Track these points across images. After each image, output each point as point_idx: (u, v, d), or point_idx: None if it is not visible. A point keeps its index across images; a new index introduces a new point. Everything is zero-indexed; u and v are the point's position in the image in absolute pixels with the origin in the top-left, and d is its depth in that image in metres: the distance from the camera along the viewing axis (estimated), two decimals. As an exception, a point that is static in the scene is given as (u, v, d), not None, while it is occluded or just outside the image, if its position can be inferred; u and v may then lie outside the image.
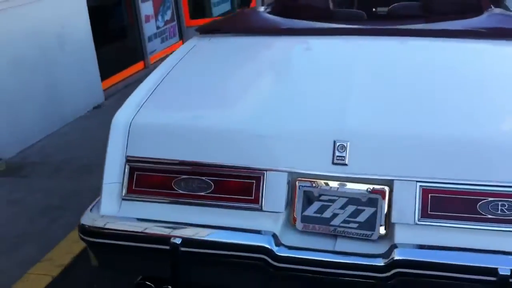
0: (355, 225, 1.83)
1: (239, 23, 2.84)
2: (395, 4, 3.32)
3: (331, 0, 3.34)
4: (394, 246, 1.73)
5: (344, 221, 1.85)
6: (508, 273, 1.61)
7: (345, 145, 1.83)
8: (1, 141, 4.00)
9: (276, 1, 3.33)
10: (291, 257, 1.76)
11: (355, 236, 1.83)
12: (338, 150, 1.83)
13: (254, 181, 1.88)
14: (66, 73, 4.71)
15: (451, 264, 1.66)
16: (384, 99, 2.02)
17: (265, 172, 1.87)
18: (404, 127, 1.87)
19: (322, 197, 1.87)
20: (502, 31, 2.47)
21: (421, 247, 1.72)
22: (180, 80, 2.31)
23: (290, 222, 1.89)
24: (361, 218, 1.83)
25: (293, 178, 1.88)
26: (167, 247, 1.82)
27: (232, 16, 3.50)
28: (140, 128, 2.02)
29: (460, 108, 1.95)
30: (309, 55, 2.49)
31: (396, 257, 1.69)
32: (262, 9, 3.08)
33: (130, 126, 2.02)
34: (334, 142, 1.84)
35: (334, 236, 1.85)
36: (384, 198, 1.81)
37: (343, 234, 1.84)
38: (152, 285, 1.99)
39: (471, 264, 1.65)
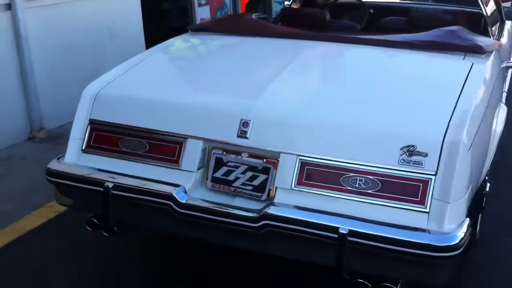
0: (250, 188, 2.25)
1: (222, 25, 3.32)
2: (385, 18, 3.68)
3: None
4: (269, 204, 2.14)
5: (243, 184, 2.26)
6: (346, 232, 1.97)
7: (248, 123, 2.25)
8: (47, 113, 4.69)
9: (282, 11, 3.80)
10: (190, 204, 2.20)
11: (249, 196, 2.24)
12: (242, 126, 2.26)
13: (178, 145, 2.34)
14: (113, 60, 5.35)
15: (305, 221, 2.05)
16: (297, 90, 2.43)
17: (187, 138, 2.33)
18: (297, 114, 2.27)
19: (229, 163, 2.29)
20: (433, 44, 2.78)
21: (289, 206, 2.12)
22: (149, 66, 2.81)
23: (203, 182, 2.33)
24: (256, 182, 2.24)
25: (209, 146, 2.32)
26: (102, 189, 2.32)
27: (221, 18, 3.96)
28: (103, 98, 2.54)
29: (352, 102, 2.33)
30: (259, 52, 2.93)
31: (264, 211, 2.10)
32: (252, 15, 3.54)
33: (96, 97, 2.55)
34: (241, 119, 2.27)
35: (235, 195, 2.28)
36: (275, 167, 2.22)
37: (241, 194, 2.25)
38: (97, 222, 2.49)
39: (319, 222, 2.03)
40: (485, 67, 2.64)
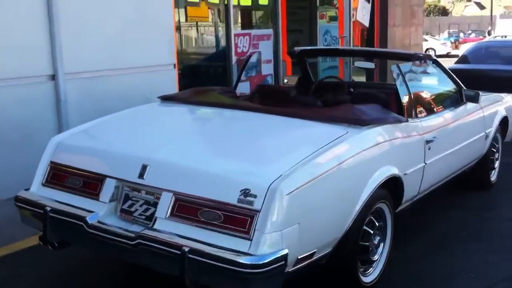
0: (144, 217, 2.94)
1: (182, 95, 4.11)
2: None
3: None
4: (145, 229, 2.82)
5: (140, 214, 2.96)
6: (187, 250, 2.58)
7: (146, 167, 2.98)
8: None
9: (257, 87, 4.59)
10: (94, 225, 2.93)
11: (142, 224, 2.93)
12: (142, 169, 2.99)
13: (99, 182, 3.11)
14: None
15: (160, 240, 2.70)
16: (187, 147, 3.15)
17: (106, 177, 3.10)
18: (177, 162, 2.97)
19: (133, 198, 3.02)
20: (327, 116, 3.37)
21: (158, 231, 2.78)
22: (106, 124, 3.65)
23: (116, 211, 3.06)
24: (148, 213, 2.93)
25: (122, 184, 3.06)
26: (42, 211, 3.12)
27: (186, 90, 4.65)
28: (63, 146, 3.39)
29: (220, 155, 3.05)
30: (190, 118, 3.71)
31: (139, 234, 2.78)
32: (216, 89, 4.31)
33: (58, 144, 3.40)
34: (142, 164, 3.00)
35: (134, 222, 2.97)
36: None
37: (137, 222, 2.95)
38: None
39: (170, 241, 2.67)
40: (359, 137, 3.19)
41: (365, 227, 3.27)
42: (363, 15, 10.13)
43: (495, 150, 5.44)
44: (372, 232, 3.32)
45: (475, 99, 4.59)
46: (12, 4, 5.03)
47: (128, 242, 2.82)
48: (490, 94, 5.45)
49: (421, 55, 4.50)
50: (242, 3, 7.64)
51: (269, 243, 2.57)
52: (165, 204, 2.86)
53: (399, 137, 3.56)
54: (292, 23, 9.49)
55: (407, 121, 3.69)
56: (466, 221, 4.65)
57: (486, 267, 3.79)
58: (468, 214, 4.83)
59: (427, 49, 29.87)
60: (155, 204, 2.92)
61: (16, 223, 3.46)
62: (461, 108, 4.58)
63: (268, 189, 2.63)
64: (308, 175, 2.78)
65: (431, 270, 3.73)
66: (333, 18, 8.87)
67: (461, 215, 4.80)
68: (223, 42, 7.47)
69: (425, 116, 3.98)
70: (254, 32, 7.82)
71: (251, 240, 2.59)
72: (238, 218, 2.64)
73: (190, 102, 3.91)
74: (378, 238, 3.41)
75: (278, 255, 2.57)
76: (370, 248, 3.34)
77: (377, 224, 3.38)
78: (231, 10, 7.28)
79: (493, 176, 5.52)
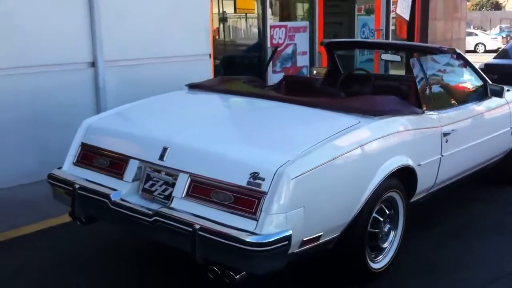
0: (162, 197, 3.14)
1: (210, 84, 4.29)
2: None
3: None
4: (163, 207, 3.02)
5: (159, 194, 3.17)
6: (198, 227, 2.77)
7: (167, 149, 3.18)
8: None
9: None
10: (117, 202, 3.15)
11: (161, 202, 3.13)
12: (162, 151, 3.19)
13: (124, 163, 3.33)
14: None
15: (175, 218, 2.90)
16: (206, 131, 3.33)
17: (130, 158, 3.32)
18: (194, 145, 3.15)
19: (154, 178, 3.23)
20: (344, 107, 3.50)
21: (174, 210, 2.98)
22: (135, 109, 3.87)
23: (139, 190, 3.27)
24: (166, 193, 3.13)
25: (144, 165, 3.28)
26: (71, 189, 3.36)
27: (214, 79, 4.82)
28: (93, 129, 3.63)
29: (236, 140, 3.21)
30: (214, 106, 3.88)
31: (156, 211, 2.98)
32: (241, 78, 4.48)
33: (88, 127, 3.65)
34: (163, 147, 3.20)
35: (153, 201, 3.17)
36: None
37: (157, 201, 3.16)
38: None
39: (183, 219, 2.86)
40: (370, 127, 3.32)
41: (375, 215, 3.39)
42: (403, 8, 10.11)
43: (524, 147, 5.43)
44: (382, 219, 3.44)
45: (499, 94, 4.62)
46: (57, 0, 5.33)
47: (147, 219, 3.02)
48: None
49: (445, 48, 4.56)
50: (279, -4, 7.79)
51: (274, 224, 2.73)
52: (182, 184, 3.05)
53: (413, 129, 3.65)
54: (332, 15, 9.60)
55: (423, 113, 3.78)
56: (488, 215, 4.70)
57: (499, 259, 3.86)
58: (491, 208, 4.87)
59: (476, 44, 29.27)
60: (173, 185, 3.11)
61: (53, 200, 3.72)
62: (485, 102, 4.62)
63: (275, 173, 2.79)
64: (316, 161, 2.92)
65: (444, 260, 3.81)
66: (370, 11, 8.89)
67: (483, 208, 4.85)
68: (259, 34, 7.63)
69: (444, 109, 4.05)
70: (290, 24, 7.95)
71: (257, 220, 2.76)
72: (247, 200, 2.82)
73: (215, 90, 4.09)
74: (388, 226, 3.53)
75: (282, 235, 2.72)
76: (380, 235, 3.46)
77: (387, 212, 3.50)
78: (267, 2, 7.43)
79: (524, 172, 5.51)
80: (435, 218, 4.55)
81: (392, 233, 3.60)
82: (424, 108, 3.82)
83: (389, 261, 3.58)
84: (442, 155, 3.92)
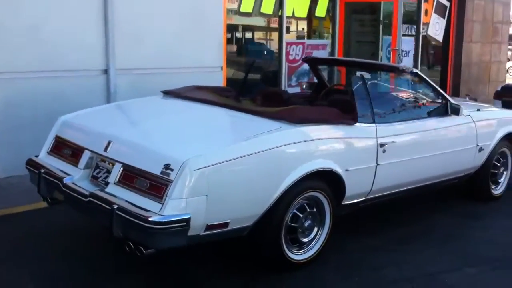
0: (104, 182, 3.69)
1: (179, 91, 4.80)
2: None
3: None
4: (97, 190, 3.56)
5: (102, 180, 3.72)
6: (116, 207, 3.30)
7: (110, 143, 3.73)
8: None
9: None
10: (67, 185, 3.73)
11: (103, 187, 3.68)
12: (107, 144, 3.74)
13: (80, 153, 3.91)
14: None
15: (101, 197, 3.43)
16: (142, 129, 3.87)
17: (84, 149, 3.89)
18: (128, 139, 3.70)
19: (100, 167, 3.78)
20: (272, 115, 3.94)
21: (104, 192, 3.51)
22: (104, 110, 4.46)
23: (89, 177, 3.84)
24: (107, 179, 3.67)
25: (95, 156, 3.84)
26: (37, 172, 3.98)
27: (184, 87, 5.25)
28: (66, 124, 4.24)
29: (162, 136, 3.72)
30: (169, 109, 4.42)
31: (90, 193, 3.53)
32: (217, 87, 4.98)
33: (63, 122, 4.27)
34: (108, 141, 3.76)
35: (98, 186, 3.72)
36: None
37: (100, 186, 3.71)
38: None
39: (106, 198, 3.39)
40: (288, 132, 3.73)
41: (295, 211, 3.79)
42: (436, 30, 10.28)
43: (499, 165, 5.60)
44: (301, 216, 3.83)
45: (457, 112, 4.87)
46: (73, 9, 6.03)
47: (83, 199, 3.57)
48: (500, 110, 5.62)
49: (403, 68, 4.88)
50: (297, 14, 8.23)
51: (175, 207, 3.21)
52: (116, 172, 3.59)
53: (341, 137, 4.02)
54: (366, 34, 9.95)
55: (354, 124, 4.13)
56: (442, 226, 4.93)
57: (424, 263, 4.13)
58: (448, 219, 5.10)
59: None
60: (110, 172, 3.66)
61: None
62: (443, 119, 4.88)
63: (181, 165, 3.27)
64: (222, 157, 3.38)
65: (371, 260, 4.13)
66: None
67: (441, 220, 5.08)
68: (274, 50, 8.10)
69: (385, 122, 4.38)
70: (308, 41, 8.39)
71: (162, 204, 3.24)
72: (158, 186, 3.31)
73: (181, 97, 4.63)
74: (309, 222, 3.90)
75: (180, 217, 3.20)
76: (300, 230, 3.85)
77: (308, 209, 3.88)
78: (284, 20, 7.91)
79: (498, 190, 5.68)
80: (387, 224, 4.86)
81: (315, 229, 3.96)
82: (357, 120, 4.17)
83: (312, 255, 3.94)
84: (378, 164, 4.25)
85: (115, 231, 3.34)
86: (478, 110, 5.41)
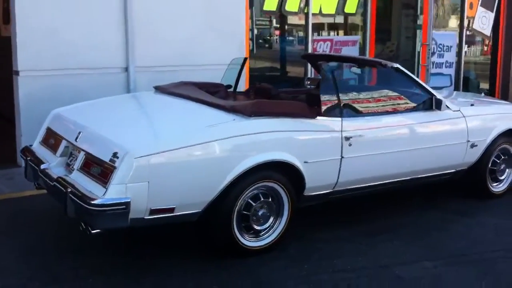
0: (73, 169, 4.03)
1: (164, 87, 5.08)
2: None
3: None
4: (64, 175, 3.92)
5: (72, 167, 4.07)
6: (69, 191, 3.64)
7: (80, 133, 4.08)
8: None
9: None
10: (41, 169, 4.12)
11: (70, 172, 4.04)
12: (77, 134, 4.10)
13: (60, 142, 4.30)
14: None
15: (61, 182, 3.78)
16: (115, 121, 4.18)
17: (63, 139, 4.28)
18: (94, 130, 4.02)
19: (73, 155, 4.14)
20: (229, 107, 4.14)
21: (67, 177, 3.86)
22: (94, 104, 4.83)
23: (64, 164, 4.21)
24: (75, 166, 4.02)
25: (70, 145, 4.21)
26: (25, 159, 4.41)
27: (174, 83, 5.46)
28: (55, 116, 4.65)
29: (122, 126, 4.02)
30: (150, 104, 4.72)
31: (56, 177, 3.89)
32: (207, 83, 5.22)
33: (53, 114, 4.68)
34: (79, 131, 4.11)
35: (72, 172, 4.07)
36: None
37: (72, 171, 4.06)
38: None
39: (63, 182, 3.74)
40: (241, 124, 3.93)
41: (249, 200, 3.98)
42: (482, 24, 9.99)
43: (499, 161, 5.47)
44: (254, 204, 4.01)
45: (438, 106, 4.84)
46: (94, 10, 6.49)
47: (50, 183, 3.96)
48: (504, 105, 5.51)
49: (384, 63, 4.90)
50: (325, 11, 8.30)
51: (115, 191, 3.50)
52: (80, 160, 3.94)
53: (300, 130, 4.15)
54: (406, 30, 9.87)
55: (314, 117, 4.24)
56: (426, 221, 4.92)
57: (383, 256, 4.18)
58: (437, 215, 5.07)
59: None
60: (77, 159, 4.02)
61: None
62: (423, 114, 4.87)
63: (125, 153, 3.56)
64: (165, 146, 3.63)
65: (332, 251, 4.23)
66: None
67: (427, 215, 5.08)
68: (300, 47, 8.22)
69: (353, 115, 4.46)
70: (336, 38, 8.44)
71: (106, 188, 3.55)
72: (106, 172, 3.62)
73: (165, 92, 4.92)
74: (264, 211, 4.07)
75: (120, 201, 3.48)
76: (254, 218, 4.03)
77: (262, 199, 4.05)
78: (310, 17, 8.01)
79: (499, 188, 5.55)
80: (365, 217, 4.93)
81: (271, 218, 4.13)
82: (321, 113, 4.28)
83: (268, 243, 4.11)
84: (343, 157, 4.34)
85: (69, 211, 3.68)
86: (472, 105, 5.32)
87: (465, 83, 10.49)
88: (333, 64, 4.98)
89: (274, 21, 8.50)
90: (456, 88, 9.80)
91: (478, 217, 5.10)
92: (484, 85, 10.66)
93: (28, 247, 4.21)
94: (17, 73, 6.20)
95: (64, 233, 4.44)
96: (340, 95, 4.43)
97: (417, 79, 4.94)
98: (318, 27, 8.52)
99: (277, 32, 8.64)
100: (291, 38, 8.67)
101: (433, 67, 9.41)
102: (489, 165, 5.41)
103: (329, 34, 8.79)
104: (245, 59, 5.67)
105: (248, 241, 4.05)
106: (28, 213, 4.91)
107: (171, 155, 3.65)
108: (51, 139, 4.49)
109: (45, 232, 4.49)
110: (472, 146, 5.15)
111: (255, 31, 8.21)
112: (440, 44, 9.43)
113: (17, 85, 6.25)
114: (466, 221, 4.98)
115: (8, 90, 6.70)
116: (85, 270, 3.85)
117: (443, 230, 4.73)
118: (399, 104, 4.87)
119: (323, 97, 4.35)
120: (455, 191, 5.64)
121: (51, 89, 6.34)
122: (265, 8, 7.89)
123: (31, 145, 4.72)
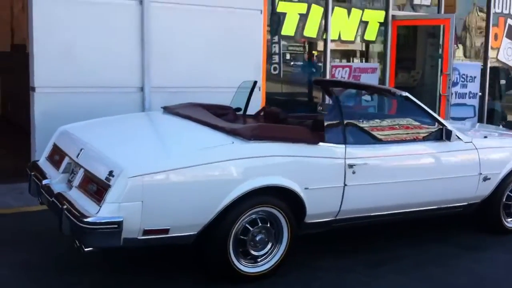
0: (73, 186, 4.05)
1: (172, 107, 5.07)
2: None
3: None
4: (63, 192, 3.92)
5: (73, 184, 4.08)
6: (65, 207, 3.63)
7: (82, 150, 4.09)
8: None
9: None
10: (43, 185, 4.13)
11: (69, 189, 4.04)
12: (79, 151, 4.11)
13: (63, 158, 4.31)
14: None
15: (60, 199, 3.78)
16: (116, 140, 4.18)
17: (66, 155, 4.29)
18: (94, 148, 4.02)
19: (74, 172, 4.14)
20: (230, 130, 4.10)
21: (66, 193, 3.86)
22: (101, 122, 4.84)
23: (66, 180, 4.22)
24: (75, 183, 4.03)
25: (73, 161, 4.22)
26: (29, 174, 4.44)
27: (182, 104, 5.43)
28: (62, 133, 4.68)
29: (123, 145, 4.02)
30: (150, 122, 4.70)
31: (55, 193, 3.89)
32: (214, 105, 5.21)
33: (60, 131, 4.71)
34: (81, 148, 4.12)
35: (72, 188, 4.06)
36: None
37: (72, 187, 4.06)
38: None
39: (59, 199, 3.74)
40: (239, 147, 3.88)
41: (246, 225, 3.92)
42: (508, 55, 9.84)
43: (514, 195, 5.32)
44: (251, 229, 3.94)
45: (448, 137, 4.73)
46: (111, 30, 6.56)
47: (49, 199, 3.96)
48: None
49: (393, 91, 4.83)
50: (344, 37, 8.27)
51: (108, 210, 3.48)
52: (79, 176, 3.94)
53: (299, 155, 4.08)
54: (431, 59, 9.78)
55: (317, 143, 4.18)
56: (433, 254, 4.77)
57: (377, 287, 4.07)
58: (445, 249, 4.92)
59: None
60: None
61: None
62: (433, 144, 4.76)
63: (120, 171, 3.54)
64: (161, 166, 3.61)
65: (327, 280, 4.14)
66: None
67: (435, 248, 4.92)
68: (318, 73, 8.19)
69: (359, 142, 4.39)
70: (356, 64, 8.38)
71: (100, 206, 3.53)
72: (101, 190, 3.61)
73: (172, 112, 4.92)
74: (261, 236, 4.00)
75: (112, 220, 3.46)
76: (252, 243, 3.96)
77: (260, 224, 3.98)
78: (329, 44, 7.99)
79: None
80: (370, 247, 4.81)
81: (269, 244, 4.05)
82: (324, 139, 4.21)
83: (267, 269, 4.03)
84: (346, 184, 4.25)
85: (63, 228, 3.67)
86: (486, 137, 5.19)
87: (491, 115, 10.31)
88: (341, 90, 4.91)
89: (298, 46, 8.50)
90: (480, 120, 9.62)
91: (491, 253, 4.92)
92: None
93: (28, 262, 4.21)
94: (33, 89, 6.28)
95: (64, 249, 4.42)
96: (345, 121, 4.36)
97: (427, 108, 4.83)
98: (337, 53, 8.49)
99: (297, 57, 8.65)
100: (310, 63, 8.65)
101: (456, 97, 9.31)
102: (504, 199, 5.25)
103: (348, 61, 8.74)
104: (255, 82, 5.63)
105: (245, 267, 3.98)
106: (32, 227, 4.93)
107: (165, 175, 3.62)
108: (56, 155, 4.51)
109: (47, 247, 4.50)
110: (485, 179, 5.01)
111: (282, 56, 8.17)
112: (464, 74, 9.30)
113: (33, 101, 6.32)
114: (475, 256, 4.82)
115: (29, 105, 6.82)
116: (83, 286, 3.85)
117: (448, 265, 4.58)
118: (407, 133, 4.77)
119: (327, 123, 4.29)
120: (468, 225, 5.48)
121: (66, 106, 6.40)
122: (283, 33, 7.89)
123: (37, 161, 4.75)
